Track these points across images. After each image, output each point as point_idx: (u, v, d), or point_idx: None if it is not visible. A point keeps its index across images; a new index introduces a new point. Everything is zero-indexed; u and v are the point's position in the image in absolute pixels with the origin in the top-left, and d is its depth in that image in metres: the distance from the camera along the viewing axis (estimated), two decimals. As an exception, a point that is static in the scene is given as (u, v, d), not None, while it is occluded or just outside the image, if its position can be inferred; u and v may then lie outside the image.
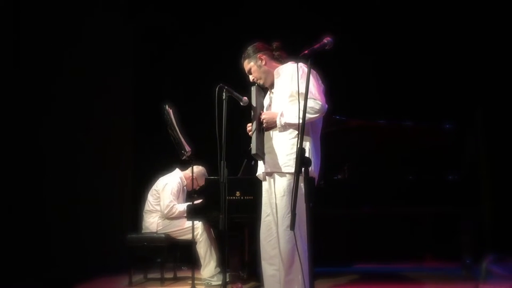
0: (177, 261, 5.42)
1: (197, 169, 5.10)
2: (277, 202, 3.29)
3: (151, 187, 5.23)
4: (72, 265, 5.32)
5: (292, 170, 2.93)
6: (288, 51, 3.54)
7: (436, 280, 4.94)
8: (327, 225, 4.52)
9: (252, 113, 3.42)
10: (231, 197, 4.26)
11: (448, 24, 6.12)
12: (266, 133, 3.38)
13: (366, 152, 5.11)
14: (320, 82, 3.36)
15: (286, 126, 3.29)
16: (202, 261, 4.93)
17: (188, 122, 4.94)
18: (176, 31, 6.59)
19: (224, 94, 3.48)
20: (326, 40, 2.72)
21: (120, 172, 6.27)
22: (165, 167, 5.39)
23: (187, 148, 4.58)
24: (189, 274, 4.88)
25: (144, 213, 5.18)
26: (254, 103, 3.41)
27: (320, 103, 3.24)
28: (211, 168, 5.12)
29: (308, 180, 2.59)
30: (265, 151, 3.36)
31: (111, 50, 6.20)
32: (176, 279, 5.22)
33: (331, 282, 4.85)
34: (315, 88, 3.24)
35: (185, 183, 5.26)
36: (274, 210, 3.31)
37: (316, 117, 3.27)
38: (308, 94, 2.66)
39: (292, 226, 2.53)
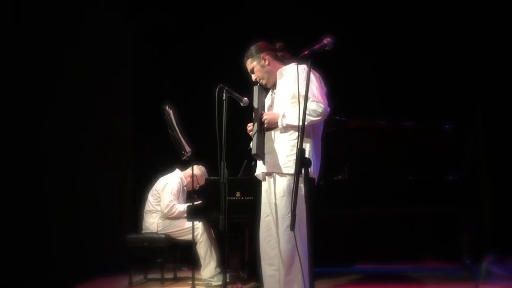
0: (177, 262, 5.42)
1: (197, 168, 5.11)
2: (277, 202, 3.29)
3: (151, 187, 5.23)
4: (72, 265, 5.32)
5: (292, 171, 2.93)
6: (289, 52, 3.53)
7: (436, 280, 4.94)
8: (327, 225, 4.52)
9: (253, 113, 3.41)
10: (231, 198, 4.26)
11: (448, 25, 6.11)
12: (266, 133, 3.37)
13: (366, 152, 5.11)
14: (322, 84, 3.36)
15: (287, 128, 3.28)
16: (202, 261, 4.93)
17: (188, 122, 4.95)
18: (176, 31, 6.58)
19: (224, 94, 3.46)
20: (326, 40, 2.72)
21: (120, 172, 6.27)
22: (165, 167, 5.39)
23: (187, 148, 4.58)
24: (189, 274, 4.88)
25: (144, 213, 5.18)
26: (255, 102, 3.41)
27: (323, 106, 3.23)
28: (211, 168, 5.12)
29: (308, 181, 2.59)
30: (265, 151, 3.35)
31: (111, 50, 6.19)
32: (176, 280, 5.22)
33: (331, 282, 4.85)
34: (318, 91, 3.24)
35: (185, 183, 5.26)
36: (274, 211, 3.31)
37: (318, 119, 3.26)
38: (309, 96, 2.65)
39: (292, 226, 2.53)
